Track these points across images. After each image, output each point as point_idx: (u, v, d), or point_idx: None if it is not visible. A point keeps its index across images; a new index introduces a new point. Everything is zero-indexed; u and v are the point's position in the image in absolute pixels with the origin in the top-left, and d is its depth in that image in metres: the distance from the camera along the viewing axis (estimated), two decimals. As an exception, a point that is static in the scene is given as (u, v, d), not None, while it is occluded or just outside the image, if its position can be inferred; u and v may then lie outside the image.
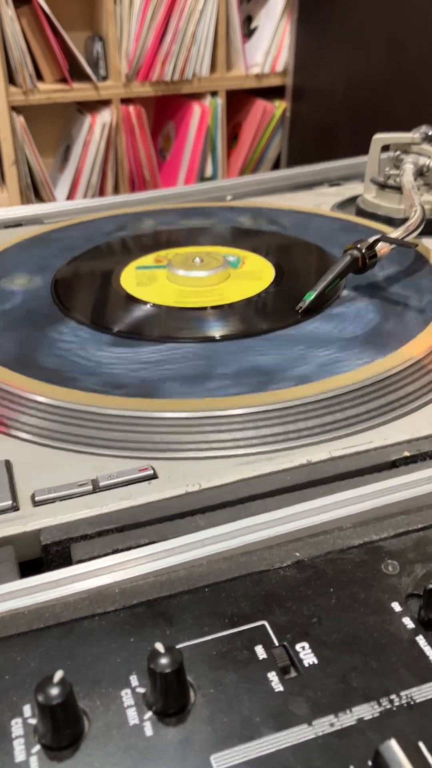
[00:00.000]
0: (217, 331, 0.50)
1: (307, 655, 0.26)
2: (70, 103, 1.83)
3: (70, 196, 1.87)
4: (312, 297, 0.51)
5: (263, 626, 0.28)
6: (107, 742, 0.24)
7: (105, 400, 0.41)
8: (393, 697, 0.25)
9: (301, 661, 0.26)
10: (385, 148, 0.72)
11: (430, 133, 0.71)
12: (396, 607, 0.28)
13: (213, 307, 0.52)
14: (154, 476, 0.37)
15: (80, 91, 1.77)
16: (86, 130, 1.80)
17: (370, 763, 0.23)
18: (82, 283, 0.59)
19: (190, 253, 0.59)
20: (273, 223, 0.70)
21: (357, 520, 0.33)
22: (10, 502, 0.35)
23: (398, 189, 0.69)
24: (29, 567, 0.33)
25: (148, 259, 0.61)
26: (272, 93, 1.96)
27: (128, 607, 0.29)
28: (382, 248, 0.54)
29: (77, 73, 1.76)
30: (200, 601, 0.29)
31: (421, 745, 0.23)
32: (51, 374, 0.44)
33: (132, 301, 0.54)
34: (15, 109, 1.72)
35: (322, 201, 0.80)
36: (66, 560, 0.33)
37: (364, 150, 0.76)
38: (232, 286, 0.56)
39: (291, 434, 0.39)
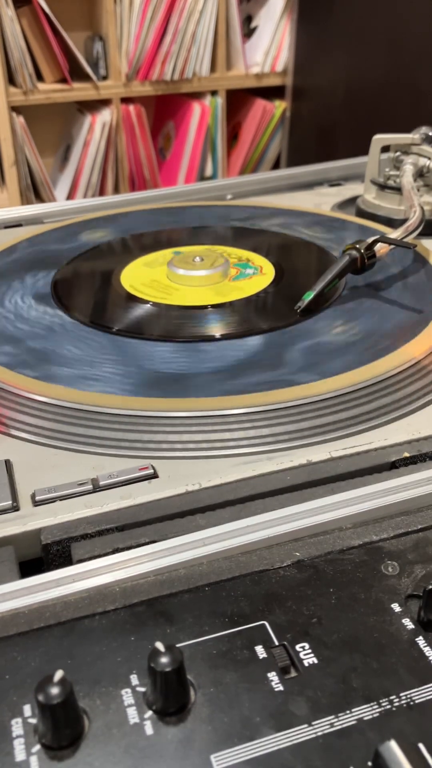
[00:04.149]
0: (215, 329, 0.50)
1: (307, 655, 0.26)
2: (70, 102, 1.83)
3: (70, 195, 1.87)
4: (311, 296, 0.51)
5: (263, 626, 0.28)
6: (107, 742, 0.24)
7: (105, 400, 0.41)
8: (393, 697, 0.25)
9: (301, 660, 0.26)
10: (385, 148, 0.72)
11: (430, 134, 0.71)
12: (396, 607, 0.28)
13: (213, 306, 0.53)
14: (154, 475, 0.37)
15: (80, 91, 1.77)
16: (86, 130, 1.80)
17: (369, 763, 0.23)
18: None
19: (194, 252, 0.60)
20: (282, 222, 0.70)
21: (357, 520, 0.33)
22: (10, 502, 0.35)
23: (398, 190, 0.69)
24: (30, 567, 0.33)
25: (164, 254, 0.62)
26: (272, 93, 1.96)
27: (128, 606, 0.29)
28: (381, 249, 0.54)
29: (77, 73, 1.76)
30: (200, 601, 0.29)
31: (421, 746, 0.23)
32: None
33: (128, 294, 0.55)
34: (15, 109, 1.72)
35: (322, 201, 0.80)
36: (66, 560, 0.33)
37: (364, 150, 0.76)
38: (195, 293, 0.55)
39: (291, 434, 0.39)
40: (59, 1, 1.69)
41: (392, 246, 0.55)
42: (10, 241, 0.67)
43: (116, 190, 1.90)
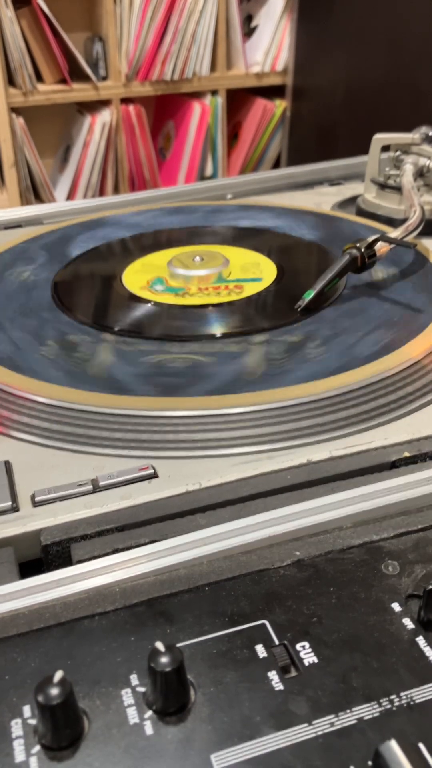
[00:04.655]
0: (216, 328, 0.50)
1: (307, 655, 0.26)
2: (69, 103, 1.83)
3: (70, 196, 1.87)
4: (311, 295, 0.51)
5: (263, 625, 0.28)
6: (107, 742, 0.24)
7: (105, 400, 0.41)
8: (393, 697, 0.25)
9: (301, 660, 0.26)
10: (386, 148, 0.72)
11: (430, 134, 0.71)
12: (396, 607, 0.28)
13: (213, 305, 0.53)
14: (154, 475, 0.37)
15: (80, 92, 1.77)
16: (86, 131, 1.80)
17: (370, 763, 0.23)
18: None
19: (192, 252, 0.60)
20: (275, 222, 0.70)
21: (357, 520, 0.33)
22: (10, 503, 0.35)
23: (398, 189, 0.69)
24: (29, 567, 0.33)
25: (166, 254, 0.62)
26: (272, 92, 1.96)
27: (128, 607, 0.29)
28: (381, 248, 0.54)
29: (77, 74, 1.76)
30: (200, 600, 0.29)
31: (421, 745, 0.23)
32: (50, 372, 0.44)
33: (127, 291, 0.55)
34: (15, 110, 1.72)
35: (322, 200, 0.80)
36: (66, 560, 0.33)
37: (364, 150, 0.76)
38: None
39: (291, 433, 0.39)
40: (59, 2, 1.69)
41: (392, 245, 0.55)
42: (10, 241, 0.67)
43: (116, 190, 1.90)
